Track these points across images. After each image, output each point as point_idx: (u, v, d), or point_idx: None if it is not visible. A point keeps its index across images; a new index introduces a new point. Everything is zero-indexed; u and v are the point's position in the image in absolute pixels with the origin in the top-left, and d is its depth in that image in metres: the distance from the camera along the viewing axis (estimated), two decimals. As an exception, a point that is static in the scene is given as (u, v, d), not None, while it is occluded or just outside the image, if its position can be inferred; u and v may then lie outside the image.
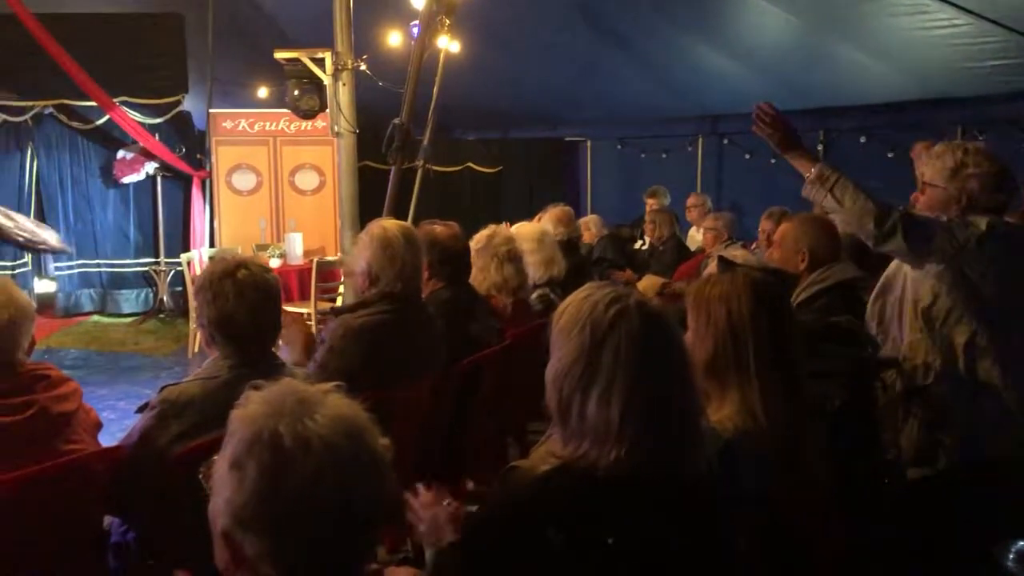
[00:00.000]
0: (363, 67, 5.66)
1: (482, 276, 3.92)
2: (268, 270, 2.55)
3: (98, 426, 2.43)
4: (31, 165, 9.78)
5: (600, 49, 8.83)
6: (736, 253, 3.72)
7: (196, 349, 8.08)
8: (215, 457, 1.16)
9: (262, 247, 9.01)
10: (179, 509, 2.29)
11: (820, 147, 9.34)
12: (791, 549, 1.83)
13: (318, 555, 1.03)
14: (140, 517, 2.40)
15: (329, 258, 8.59)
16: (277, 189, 9.76)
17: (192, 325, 8.09)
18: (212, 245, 9.55)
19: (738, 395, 1.84)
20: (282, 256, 8.61)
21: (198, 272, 8.21)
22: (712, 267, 2.46)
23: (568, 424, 1.38)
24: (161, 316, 9.55)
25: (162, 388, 2.36)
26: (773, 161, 9.51)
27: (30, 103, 9.42)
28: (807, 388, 1.99)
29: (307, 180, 9.78)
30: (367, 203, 6.73)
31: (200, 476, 1.16)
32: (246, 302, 2.32)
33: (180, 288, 9.50)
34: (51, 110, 9.47)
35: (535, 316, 4.17)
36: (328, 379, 2.70)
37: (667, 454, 1.38)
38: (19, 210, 9.78)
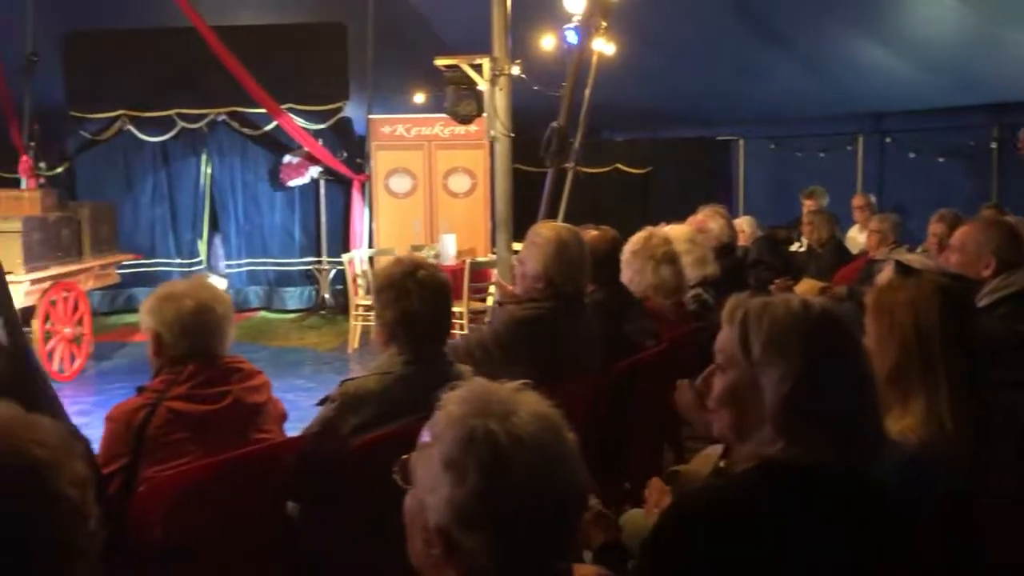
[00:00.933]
0: (519, 72, 5.76)
1: (639, 278, 3.91)
2: (441, 270, 2.66)
3: (283, 417, 2.59)
4: (206, 169, 10.48)
5: (755, 45, 8.63)
6: (912, 258, 3.56)
7: (356, 345, 8.43)
8: (410, 455, 1.22)
9: (417, 248, 9.30)
10: (357, 497, 2.42)
11: (994, 144, 8.81)
12: (978, 561, 1.76)
13: (534, 548, 1.07)
14: (319, 504, 2.54)
15: (480, 259, 8.79)
16: (431, 192, 10.04)
17: (352, 322, 8.46)
18: (370, 246, 9.93)
19: (924, 403, 1.77)
20: (436, 257, 8.85)
21: (358, 271, 8.57)
22: (887, 272, 2.37)
23: (788, 423, 1.37)
24: (322, 313, 10.01)
25: (342, 382, 2.49)
26: (941, 160, 9.07)
27: (205, 111, 10.09)
28: (996, 398, 1.90)
29: (459, 183, 10.02)
30: (518, 205, 6.85)
31: (394, 474, 1.23)
32: (427, 300, 2.44)
33: (340, 286, 9.93)
34: (224, 117, 10.12)
35: (690, 317, 4.13)
36: (490, 366, 2.79)
37: (854, 457, 1.37)
38: (195, 212, 10.53)
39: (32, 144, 8.93)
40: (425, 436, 1.17)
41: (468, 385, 1.21)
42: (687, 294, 4.24)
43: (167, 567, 2.25)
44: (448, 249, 8.68)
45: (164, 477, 2.17)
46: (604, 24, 5.53)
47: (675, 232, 4.58)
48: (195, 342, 2.38)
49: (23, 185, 8.67)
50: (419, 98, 10.43)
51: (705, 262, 4.54)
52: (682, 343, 3.70)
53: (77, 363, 7.54)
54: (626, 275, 3.86)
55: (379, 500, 2.35)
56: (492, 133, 5.75)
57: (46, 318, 7.12)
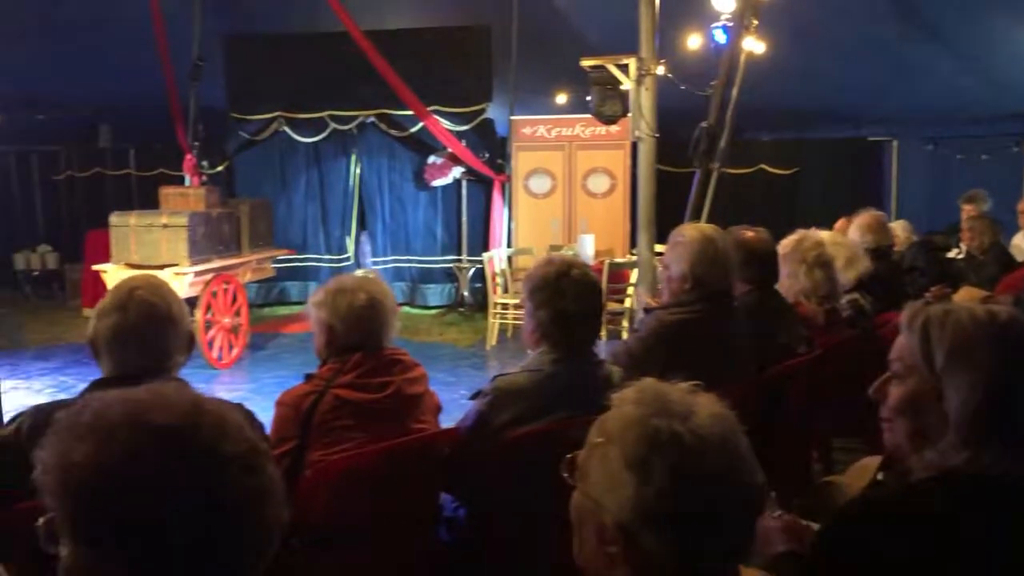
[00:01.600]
0: (667, 72, 5.72)
1: (790, 282, 3.81)
2: (591, 270, 2.69)
3: (439, 408, 2.67)
4: (355, 169, 10.88)
5: (911, 41, 8.24)
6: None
7: (494, 342, 8.56)
8: (576, 453, 1.24)
9: (555, 248, 9.35)
10: (507, 490, 2.48)
11: None
12: None
13: (716, 548, 1.08)
14: (471, 495, 2.60)
15: (619, 260, 8.75)
16: (570, 192, 10.08)
17: (491, 320, 8.59)
18: (509, 245, 10.06)
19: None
20: (574, 257, 8.89)
21: (496, 270, 8.70)
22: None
23: (976, 433, 1.33)
24: (461, 310, 10.21)
25: (494, 377, 2.55)
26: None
27: (356, 113, 10.46)
28: None
29: (599, 183, 10.00)
30: (658, 206, 6.79)
31: (562, 472, 1.25)
32: (579, 300, 2.47)
33: (479, 284, 10.11)
34: (373, 119, 10.47)
35: (844, 324, 3.99)
36: (638, 370, 2.79)
37: None
38: (344, 210, 10.94)
39: (196, 144, 9.49)
40: (596, 436, 1.18)
41: (639, 386, 1.22)
42: (842, 299, 4.10)
43: (328, 549, 2.37)
44: (586, 250, 8.69)
45: (330, 461, 2.27)
46: (755, 22, 5.41)
47: (826, 235, 4.45)
48: (364, 334, 2.49)
49: (187, 182, 9.23)
50: (561, 99, 10.50)
51: (856, 260, 4.38)
52: (837, 350, 3.58)
53: (235, 352, 7.97)
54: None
55: (529, 493, 2.42)
56: (637, 133, 5.72)
57: (207, 308, 7.55)
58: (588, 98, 6.63)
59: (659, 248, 6.52)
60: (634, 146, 8.36)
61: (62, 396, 6.75)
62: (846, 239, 4.59)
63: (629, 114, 6.03)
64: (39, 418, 2.09)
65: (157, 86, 9.37)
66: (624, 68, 5.78)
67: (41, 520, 1.05)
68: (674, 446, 1.09)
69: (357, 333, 2.51)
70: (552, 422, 2.41)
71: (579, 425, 2.38)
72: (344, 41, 9.16)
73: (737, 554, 1.11)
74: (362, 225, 11.12)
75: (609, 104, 6.01)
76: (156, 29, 8.73)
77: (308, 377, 2.49)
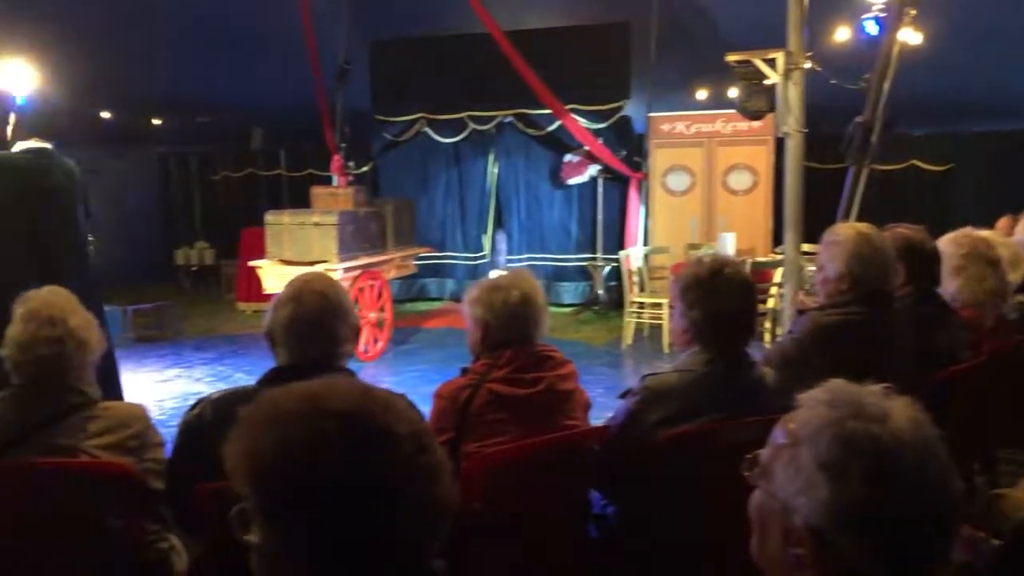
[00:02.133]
0: (815, 66, 5.54)
1: (954, 283, 3.63)
2: (744, 269, 2.65)
3: (588, 405, 2.69)
4: (492, 168, 11.05)
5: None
6: None
7: (630, 341, 8.52)
8: (758, 452, 1.23)
9: (694, 246, 9.22)
10: (658, 489, 2.47)
11: None
12: None
13: (915, 554, 1.06)
14: (621, 493, 2.61)
15: (761, 259, 8.55)
16: (709, 189, 9.91)
17: (626, 319, 8.55)
18: (645, 243, 9.99)
19: None
20: (727, 256, 8.74)
21: (633, 268, 8.65)
22: None
23: None
24: (595, 308, 10.21)
25: (645, 376, 2.54)
26: None
27: (494, 113, 10.62)
28: None
29: (740, 180, 9.80)
30: (804, 204, 6.58)
31: (744, 471, 1.24)
32: (733, 299, 2.44)
33: (614, 283, 10.08)
34: (511, 119, 10.60)
35: (1012, 328, 3.77)
36: (792, 373, 2.73)
37: None
38: (481, 209, 11.13)
39: (343, 145, 9.86)
40: (780, 436, 1.17)
41: (830, 387, 1.20)
42: (1008, 302, 3.88)
43: (481, 541, 2.43)
44: (727, 248, 8.53)
45: (486, 454, 2.33)
46: (913, 12, 5.17)
47: (987, 234, 4.22)
48: (517, 330, 2.55)
49: (334, 183, 9.60)
50: (701, 95, 10.33)
51: (1021, 261, 4.13)
52: (1004, 356, 3.39)
53: (379, 345, 8.24)
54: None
55: (681, 493, 2.41)
56: (784, 129, 5.56)
57: (354, 303, 7.82)
58: (731, 93, 6.50)
59: (806, 247, 6.34)
60: (778, 142, 8.16)
61: (221, 385, 7.17)
62: (1008, 239, 4.33)
63: (773, 110, 5.88)
64: (220, 404, 2.24)
65: (306, 90, 9.79)
66: (771, 62, 5.64)
67: (234, 509, 1.13)
68: (872, 449, 1.07)
69: (510, 329, 2.56)
70: (706, 423, 2.39)
71: (734, 426, 2.38)
72: (483, 42, 9.32)
73: (936, 562, 1.08)
74: (498, 223, 11.28)
75: (755, 99, 5.88)
76: (307, 36, 9.11)
77: (464, 371, 2.56)
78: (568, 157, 10.31)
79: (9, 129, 4.81)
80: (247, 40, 9.70)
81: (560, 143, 10.47)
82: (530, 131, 10.61)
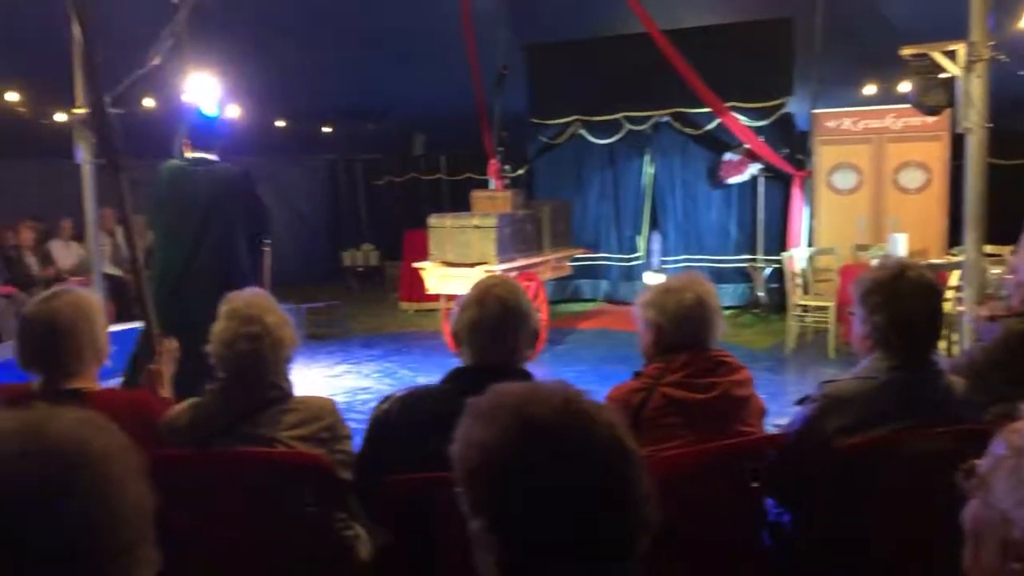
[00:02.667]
0: (1001, 57, 5.20)
1: None
2: (929, 271, 2.54)
3: (763, 412, 2.65)
4: (648, 169, 10.97)
5: None
6: None
7: (793, 345, 8.27)
8: (974, 461, 1.19)
9: (861, 247, 8.86)
10: (836, 498, 2.41)
11: None
12: None
13: None
14: (796, 501, 2.56)
15: (935, 261, 8.10)
16: (878, 188, 9.48)
17: (789, 322, 8.30)
18: (809, 244, 9.66)
19: None
20: (909, 258, 8.36)
21: (796, 270, 8.39)
22: None
23: None
24: (755, 311, 9.96)
25: (823, 383, 2.49)
26: None
27: (651, 113, 10.55)
28: None
29: (912, 178, 9.32)
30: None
31: (960, 479, 1.21)
32: (918, 303, 2.35)
33: (776, 285, 9.81)
34: (667, 118, 10.50)
35: None
36: (982, 382, 2.60)
37: None
38: (636, 210, 11.07)
39: (500, 149, 10.04)
40: (1002, 447, 1.14)
41: None
42: None
43: (654, 546, 2.44)
44: (898, 250, 8.13)
45: (660, 458, 2.34)
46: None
47: None
48: (690, 333, 2.54)
49: (491, 186, 9.80)
50: (869, 89, 9.91)
51: None
52: None
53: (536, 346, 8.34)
54: None
55: (862, 502, 2.34)
56: (965, 124, 5.25)
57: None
58: (902, 88, 6.18)
59: (988, 249, 5.96)
60: (955, 137, 7.71)
61: (388, 381, 7.48)
62: None
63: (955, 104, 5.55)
64: (407, 401, 2.36)
65: (464, 97, 10.04)
66: (950, 55, 5.33)
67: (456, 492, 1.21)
68: None
69: (684, 332, 2.55)
70: (890, 432, 2.31)
71: (921, 436, 2.29)
72: (639, 43, 9.27)
73: None
74: (654, 224, 11.19)
75: (932, 94, 5.56)
76: (468, 43, 9.34)
77: (636, 375, 2.58)
78: (728, 156, 10.11)
79: (181, 140, 5.14)
80: (409, 49, 10.05)
81: (718, 142, 10.28)
82: (687, 130, 10.47)
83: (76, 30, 3.09)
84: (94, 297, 2.65)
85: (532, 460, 1.16)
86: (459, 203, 10.32)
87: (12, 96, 9.65)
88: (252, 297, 2.59)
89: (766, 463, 2.49)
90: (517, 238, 8.30)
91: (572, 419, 1.20)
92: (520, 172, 11.39)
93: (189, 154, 5.00)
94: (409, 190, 14.29)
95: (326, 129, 13.51)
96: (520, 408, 1.20)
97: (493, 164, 9.93)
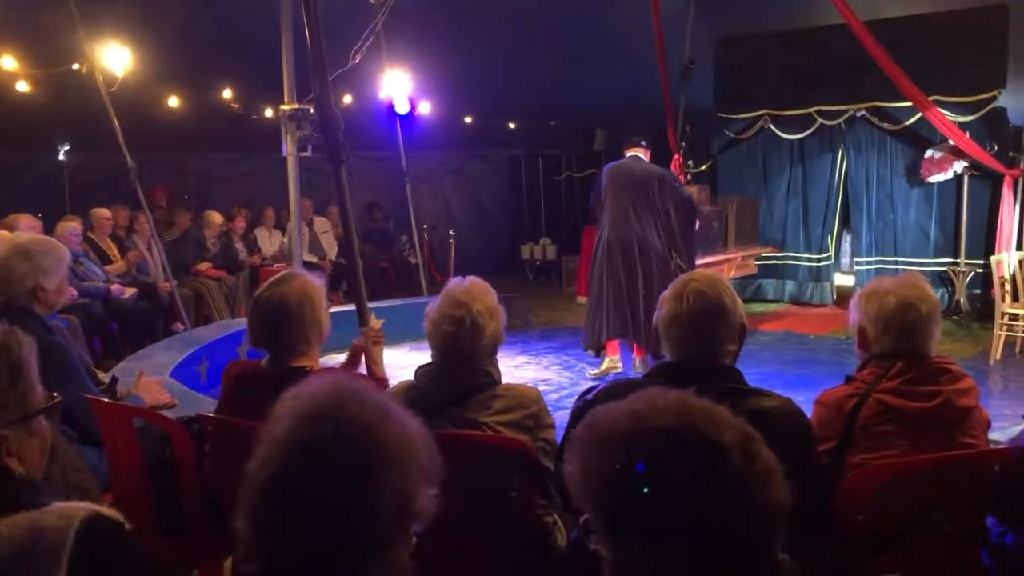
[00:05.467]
0: None
1: None
2: None
3: (988, 424, 2.51)
4: (841, 165, 10.50)
5: None
6: None
7: (998, 356, 7.71)
8: None
9: (1084, 252, 8.12)
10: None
11: None
12: None
13: None
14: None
15: None
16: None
17: (996, 331, 7.74)
18: (1019, 248, 8.95)
19: None
20: None
21: (1005, 275, 7.80)
22: None
23: None
24: (956, 318, 9.34)
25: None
26: None
27: (845, 107, 10.10)
28: None
29: None
30: None
31: None
32: None
33: (978, 291, 9.18)
34: (863, 113, 10.02)
35: None
36: None
37: None
38: (826, 208, 10.65)
39: (683, 144, 9.91)
40: None
41: None
42: None
43: (860, 554, 2.36)
44: None
45: (875, 466, 2.26)
46: None
47: None
48: (898, 338, 2.43)
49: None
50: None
51: None
52: None
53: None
54: None
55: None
56: None
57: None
58: None
59: None
60: None
61: (567, 374, 7.58)
62: None
63: None
64: (610, 393, 2.39)
65: (646, 91, 9.96)
66: None
67: (580, 521, 1.20)
68: None
69: (889, 337, 2.45)
70: None
71: None
72: (833, 35, 8.91)
73: None
74: (845, 223, 10.71)
75: None
76: (656, 37, 9.26)
77: (848, 379, 2.50)
78: (930, 152, 9.52)
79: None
80: (593, 44, 10.08)
81: (918, 137, 9.70)
82: (884, 125, 9.94)
83: (306, 26, 3.29)
84: (318, 282, 2.84)
85: (658, 475, 1.12)
86: (640, 199, 10.27)
87: (226, 94, 10.41)
88: (471, 285, 2.69)
89: (991, 478, 2.35)
90: (702, 234, 8.16)
91: (695, 426, 1.15)
92: (703, 167, 11.19)
93: None
94: (588, 185, 14.34)
95: (511, 125, 13.79)
96: (640, 423, 1.17)
97: (676, 159, 9.82)
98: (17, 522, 1.30)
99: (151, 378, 3.79)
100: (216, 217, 10.03)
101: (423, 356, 2.81)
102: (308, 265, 9.78)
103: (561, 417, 2.70)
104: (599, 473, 1.15)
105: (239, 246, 10.31)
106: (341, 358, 3.72)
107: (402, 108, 9.57)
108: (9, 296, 3.13)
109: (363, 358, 3.33)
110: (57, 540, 1.28)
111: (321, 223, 11.48)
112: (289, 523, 1.14)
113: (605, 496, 1.15)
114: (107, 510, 1.41)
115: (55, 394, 1.59)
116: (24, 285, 3.12)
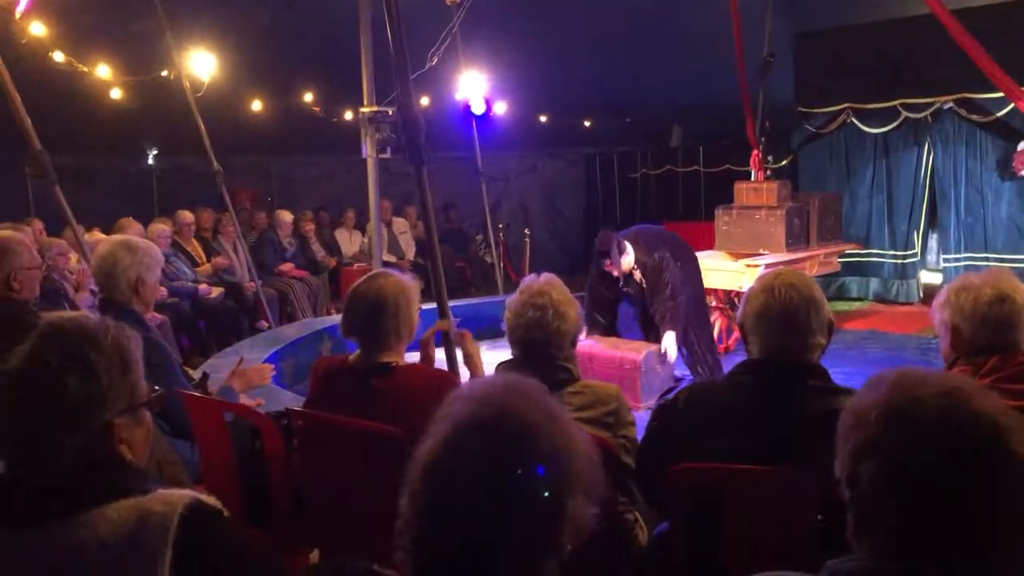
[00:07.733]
0: None
1: None
2: None
3: None
4: (927, 159, 10.19)
5: None
6: None
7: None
8: None
9: None
10: None
11: None
12: None
13: None
14: None
15: None
16: None
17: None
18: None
19: None
20: None
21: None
22: None
23: None
24: (1051, 317, 8.98)
25: None
26: None
27: (931, 100, 9.79)
28: None
29: None
30: None
31: None
32: None
33: (1076, 289, 8.77)
34: (951, 105, 9.69)
35: None
36: None
37: None
38: (912, 203, 10.33)
39: (763, 139, 9.74)
40: None
41: None
42: None
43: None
44: None
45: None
46: None
47: None
48: (994, 334, 2.36)
49: (752, 177, 9.53)
50: None
51: None
52: None
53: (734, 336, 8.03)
54: None
55: None
56: None
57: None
58: None
59: None
60: None
61: (644, 372, 7.51)
62: None
63: None
64: (693, 392, 2.39)
65: (723, 86, 9.83)
66: None
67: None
68: None
69: (984, 333, 2.38)
70: None
71: None
72: (917, 26, 8.64)
73: None
74: (931, 219, 10.39)
75: None
76: (735, 32, 9.13)
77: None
78: (1022, 146, 9.16)
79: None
80: (668, 40, 10.00)
81: (1011, 130, 9.34)
82: (974, 117, 9.60)
83: (388, 28, 3.35)
84: (412, 281, 2.90)
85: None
86: (717, 195, 10.15)
87: (307, 97, 10.65)
88: (549, 279, 2.73)
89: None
90: (791, 231, 8.06)
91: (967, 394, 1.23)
92: (783, 163, 10.99)
93: None
94: (664, 182, 14.23)
95: (587, 123, 13.77)
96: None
97: (755, 155, 9.66)
98: (125, 507, 1.38)
99: (260, 364, 3.92)
100: (286, 216, 10.19)
101: (500, 354, 2.84)
102: (387, 265, 9.92)
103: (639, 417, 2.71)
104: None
105: (315, 247, 10.52)
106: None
107: (478, 108, 9.65)
108: (112, 290, 3.28)
109: (469, 360, 3.32)
110: (163, 525, 1.35)
111: (400, 223, 11.64)
112: (436, 500, 1.16)
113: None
114: (207, 497, 1.48)
115: (156, 387, 1.66)
116: (127, 277, 3.27)
